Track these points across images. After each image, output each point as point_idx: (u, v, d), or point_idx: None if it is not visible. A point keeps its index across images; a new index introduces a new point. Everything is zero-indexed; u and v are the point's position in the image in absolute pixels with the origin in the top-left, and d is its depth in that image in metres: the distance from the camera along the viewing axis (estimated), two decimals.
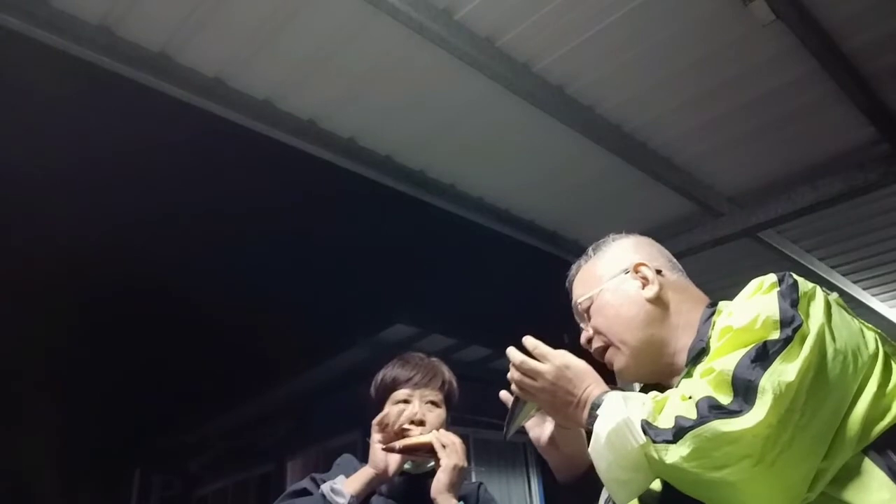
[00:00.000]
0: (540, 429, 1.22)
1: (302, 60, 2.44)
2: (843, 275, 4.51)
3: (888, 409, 0.87)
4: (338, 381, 7.22)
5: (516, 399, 1.14)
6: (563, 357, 1.06)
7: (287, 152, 2.84)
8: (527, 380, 1.06)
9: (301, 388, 8.02)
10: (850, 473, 0.84)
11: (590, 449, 0.96)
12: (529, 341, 1.08)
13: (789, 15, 2.30)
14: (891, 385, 0.89)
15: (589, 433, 0.98)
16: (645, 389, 1.13)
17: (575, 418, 1.03)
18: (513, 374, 1.09)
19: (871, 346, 0.92)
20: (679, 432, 0.85)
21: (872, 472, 0.84)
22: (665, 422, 0.88)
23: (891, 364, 0.92)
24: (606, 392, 1.00)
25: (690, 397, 0.89)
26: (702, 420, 0.84)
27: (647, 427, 0.89)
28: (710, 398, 0.86)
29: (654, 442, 0.87)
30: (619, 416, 0.92)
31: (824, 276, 4.31)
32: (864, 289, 4.77)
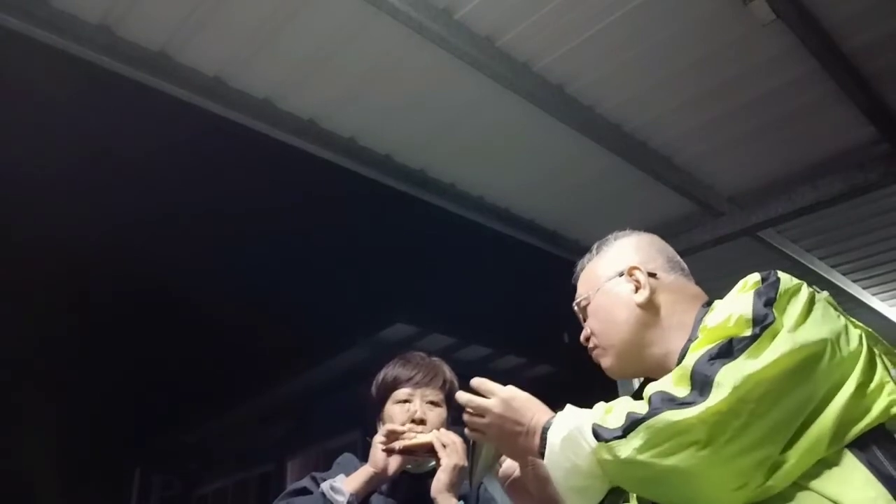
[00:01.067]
0: (506, 474, 1.25)
1: (302, 60, 2.44)
2: (843, 274, 4.51)
3: (868, 409, 0.86)
4: (338, 381, 7.23)
5: (473, 444, 1.17)
6: (510, 391, 1.08)
7: (287, 152, 2.84)
8: (476, 418, 1.09)
9: (301, 388, 8.02)
10: (831, 468, 0.84)
11: (545, 460, 0.97)
12: (475, 381, 1.11)
13: (789, 15, 2.30)
14: (873, 384, 0.88)
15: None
16: (644, 386, 1.14)
17: (527, 446, 1.04)
18: (465, 416, 1.11)
19: (854, 344, 0.91)
20: (630, 426, 0.86)
21: (855, 469, 0.83)
22: (615, 421, 0.89)
23: (876, 363, 0.91)
24: (553, 417, 1.02)
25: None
26: (654, 411, 0.85)
27: (597, 429, 0.90)
28: (663, 392, 0.88)
29: (606, 441, 0.88)
30: (571, 425, 0.94)
31: (824, 275, 4.30)
32: (864, 288, 4.77)
